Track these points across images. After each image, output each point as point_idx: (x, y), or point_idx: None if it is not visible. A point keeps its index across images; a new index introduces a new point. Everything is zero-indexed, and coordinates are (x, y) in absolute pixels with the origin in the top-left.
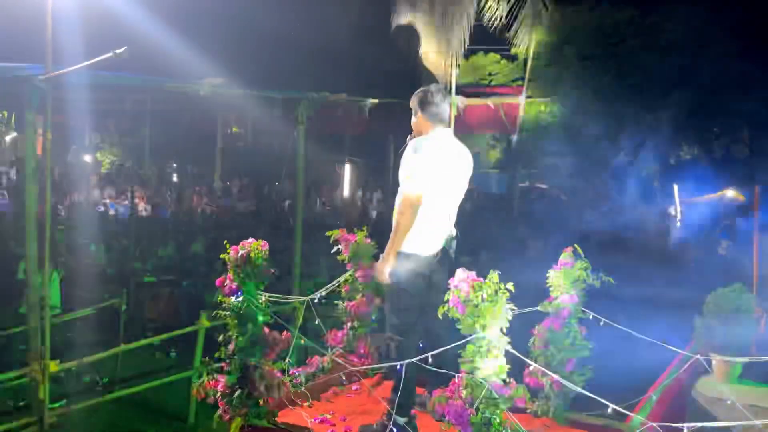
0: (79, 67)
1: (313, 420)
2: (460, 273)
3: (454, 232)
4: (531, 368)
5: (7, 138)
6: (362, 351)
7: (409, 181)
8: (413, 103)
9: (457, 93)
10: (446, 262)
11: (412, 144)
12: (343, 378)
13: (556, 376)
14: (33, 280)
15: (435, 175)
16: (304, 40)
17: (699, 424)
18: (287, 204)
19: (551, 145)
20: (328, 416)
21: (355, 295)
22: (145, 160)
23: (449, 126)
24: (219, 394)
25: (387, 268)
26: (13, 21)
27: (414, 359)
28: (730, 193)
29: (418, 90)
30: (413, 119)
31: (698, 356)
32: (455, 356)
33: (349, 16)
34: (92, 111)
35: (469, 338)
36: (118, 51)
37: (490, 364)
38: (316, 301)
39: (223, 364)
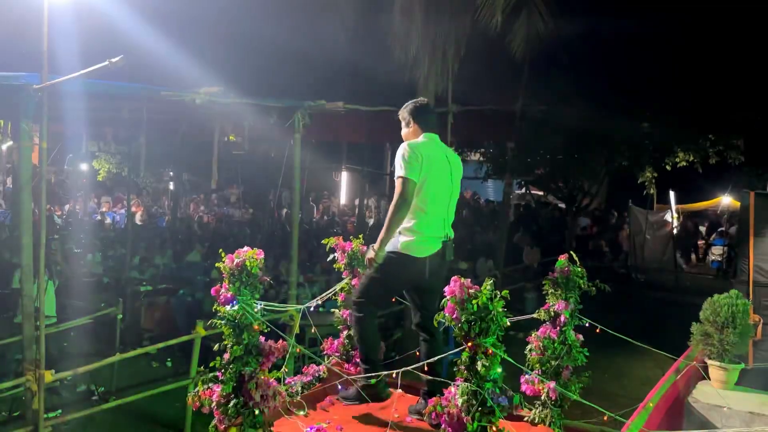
0: (75, 75)
1: (309, 429)
2: (455, 280)
3: (451, 236)
4: (527, 376)
5: (3, 147)
6: (358, 359)
7: (401, 175)
8: (403, 114)
9: (452, 101)
10: (443, 267)
11: (403, 146)
12: (340, 387)
13: (552, 384)
14: (28, 290)
15: (424, 175)
16: (301, 49)
17: None
18: (284, 212)
19: (546, 153)
20: (324, 425)
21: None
22: (141, 169)
23: (438, 134)
24: (214, 403)
25: (371, 254)
26: (9, 30)
27: (410, 367)
28: (726, 199)
29: (407, 103)
30: (404, 130)
31: (695, 363)
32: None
33: (345, 25)
34: (88, 120)
35: (464, 346)
36: (114, 60)
37: (485, 371)
38: (312, 309)
39: (218, 373)
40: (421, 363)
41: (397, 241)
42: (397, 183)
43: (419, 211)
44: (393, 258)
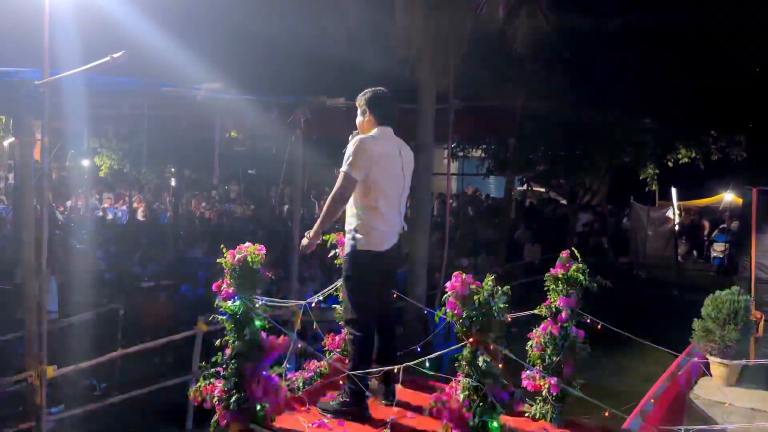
0: (77, 71)
1: (310, 425)
2: (457, 276)
3: (405, 227)
4: (528, 372)
5: (5, 143)
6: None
7: (344, 170)
8: (360, 102)
9: (454, 97)
10: (400, 261)
11: (355, 141)
12: (341, 382)
13: (553, 380)
14: (30, 285)
15: (377, 171)
16: (302, 45)
17: (697, 428)
18: (286, 208)
19: (547, 149)
20: (326, 421)
21: None
22: (143, 165)
23: (395, 126)
24: (216, 398)
25: (304, 242)
26: (11, 25)
27: (411, 363)
28: (728, 196)
29: (366, 90)
30: (359, 118)
31: (696, 359)
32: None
33: (346, 21)
34: (90, 116)
35: (465, 342)
36: (115, 55)
37: (487, 367)
38: (313, 305)
39: (219, 368)
40: (421, 359)
41: (355, 241)
42: (339, 177)
43: (372, 209)
44: (355, 257)
